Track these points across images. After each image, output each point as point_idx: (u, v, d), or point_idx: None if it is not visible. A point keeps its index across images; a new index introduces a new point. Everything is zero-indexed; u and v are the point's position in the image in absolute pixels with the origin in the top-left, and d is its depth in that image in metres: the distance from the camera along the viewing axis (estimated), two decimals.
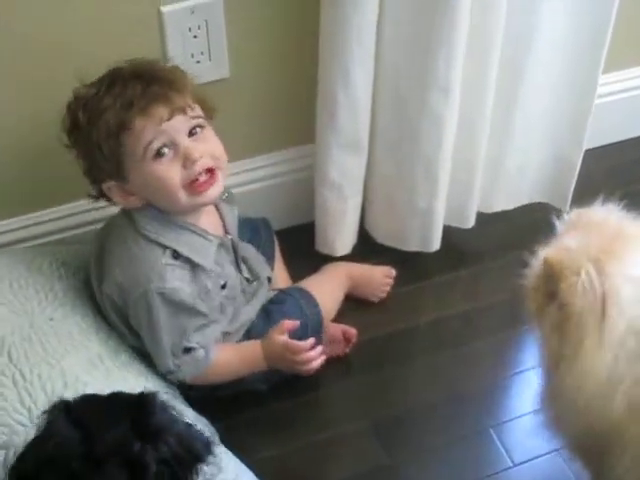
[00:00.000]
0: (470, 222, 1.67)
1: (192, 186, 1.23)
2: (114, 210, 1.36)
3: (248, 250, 1.43)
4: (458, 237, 1.70)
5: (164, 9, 1.39)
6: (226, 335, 1.38)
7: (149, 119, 1.19)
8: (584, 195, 1.68)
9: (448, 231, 1.67)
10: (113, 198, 1.28)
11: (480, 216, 1.68)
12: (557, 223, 1.13)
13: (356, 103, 1.45)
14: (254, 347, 1.36)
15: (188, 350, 1.28)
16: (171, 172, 1.22)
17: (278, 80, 1.55)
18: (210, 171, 1.24)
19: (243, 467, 1.26)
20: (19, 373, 1.17)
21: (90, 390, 1.16)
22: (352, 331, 1.53)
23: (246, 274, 1.41)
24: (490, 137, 1.57)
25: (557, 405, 1.12)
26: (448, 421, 1.46)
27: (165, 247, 1.26)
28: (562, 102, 1.58)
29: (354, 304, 1.60)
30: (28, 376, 1.17)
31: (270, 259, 1.51)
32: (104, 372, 1.21)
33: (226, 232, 1.37)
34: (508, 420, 1.46)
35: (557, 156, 1.66)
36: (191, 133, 1.23)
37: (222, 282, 1.33)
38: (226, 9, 1.43)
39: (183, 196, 1.23)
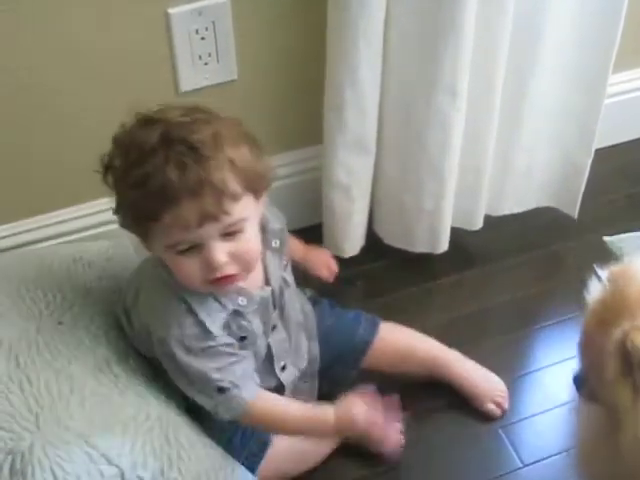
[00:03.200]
0: (478, 224, 1.67)
1: (211, 282, 1.17)
2: None
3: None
4: (466, 238, 1.70)
5: (171, 11, 1.39)
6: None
7: (178, 220, 1.09)
8: (592, 195, 1.69)
9: (456, 232, 1.66)
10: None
11: (488, 218, 1.68)
12: (592, 282, 1.07)
13: (363, 103, 1.45)
14: (325, 410, 1.24)
15: (222, 390, 1.21)
16: (192, 268, 1.14)
17: (286, 81, 1.55)
18: (231, 276, 1.17)
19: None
20: (26, 379, 1.16)
21: (97, 396, 1.17)
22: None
23: (283, 333, 1.33)
24: (497, 138, 1.56)
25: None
26: (457, 422, 1.46)
27: (183, 300, 1.19)
28: (570, 105, 1.58)
29: (361, 304, 1.59)
30: (35, 382, 1.16)
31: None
32: (112, 378, 1.20)
33: (267, 283, 1.27)
34: (517, 420, 1.46)
35: (566, 159, 1.66)
36: (225, 233, 1.13)
37: (242, 335, 1.25)
38: (233, 11, 1.43)
39: (201, 287, 1.18)
